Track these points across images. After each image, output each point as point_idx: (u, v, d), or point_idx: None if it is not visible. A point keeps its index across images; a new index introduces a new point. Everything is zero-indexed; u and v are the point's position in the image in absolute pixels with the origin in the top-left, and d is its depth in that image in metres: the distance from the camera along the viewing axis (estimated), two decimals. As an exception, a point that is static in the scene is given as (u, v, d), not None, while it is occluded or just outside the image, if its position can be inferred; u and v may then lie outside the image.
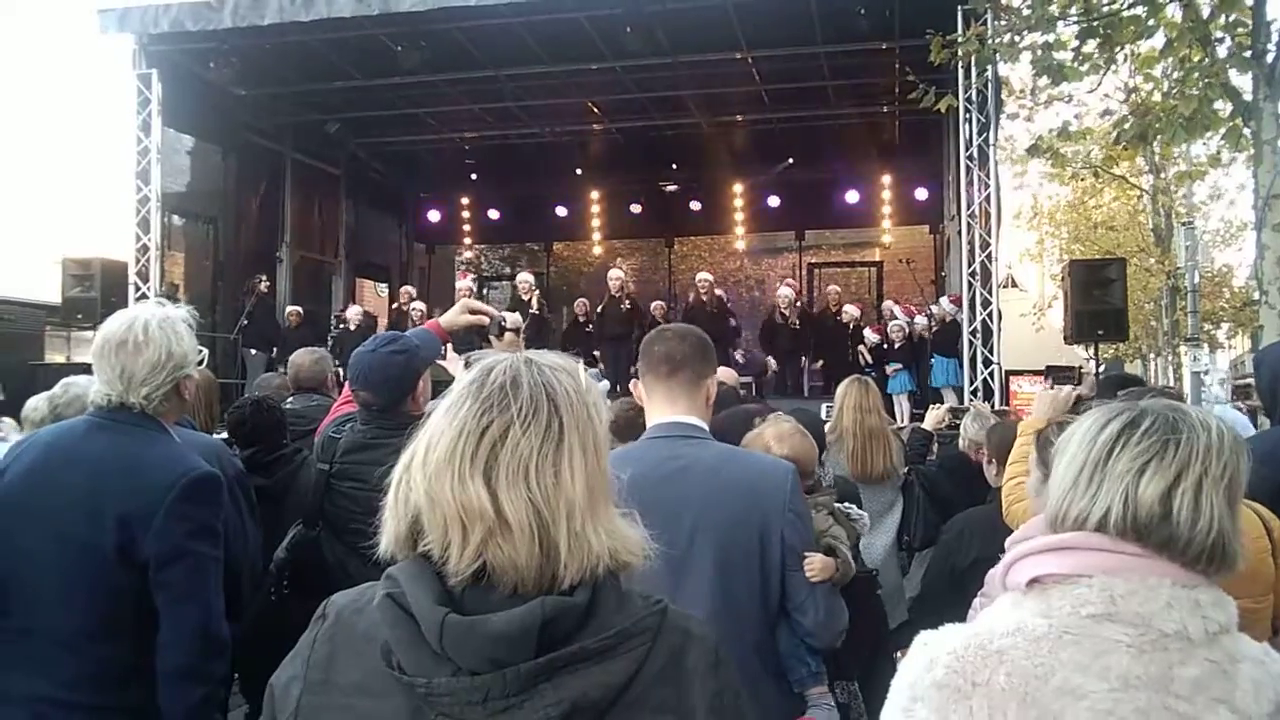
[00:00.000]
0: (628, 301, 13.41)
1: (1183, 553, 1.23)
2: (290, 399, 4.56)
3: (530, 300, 12.75)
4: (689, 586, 2.18)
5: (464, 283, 15.00)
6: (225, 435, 3.97)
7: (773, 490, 2.29)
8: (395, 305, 15.11)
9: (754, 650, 2.29)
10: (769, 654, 2.35)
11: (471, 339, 3.68)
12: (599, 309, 13.73)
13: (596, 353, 13.26)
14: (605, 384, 8.51)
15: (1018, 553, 1.32)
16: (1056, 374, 10.29)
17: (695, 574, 2.21)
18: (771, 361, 13.46)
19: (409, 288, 15.15)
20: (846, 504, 3.05)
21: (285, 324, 13.84)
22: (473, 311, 3.38)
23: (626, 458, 2.36)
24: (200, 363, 2.38)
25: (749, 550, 2.26)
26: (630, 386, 2.63)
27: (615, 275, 13.74)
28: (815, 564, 2.33)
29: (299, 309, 14.05)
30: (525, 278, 13.63)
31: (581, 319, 14.15)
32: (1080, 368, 11.01)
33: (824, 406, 9.60)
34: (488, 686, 1.03)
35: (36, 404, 3.46)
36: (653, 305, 13.69)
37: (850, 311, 13.33)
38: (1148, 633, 1.20)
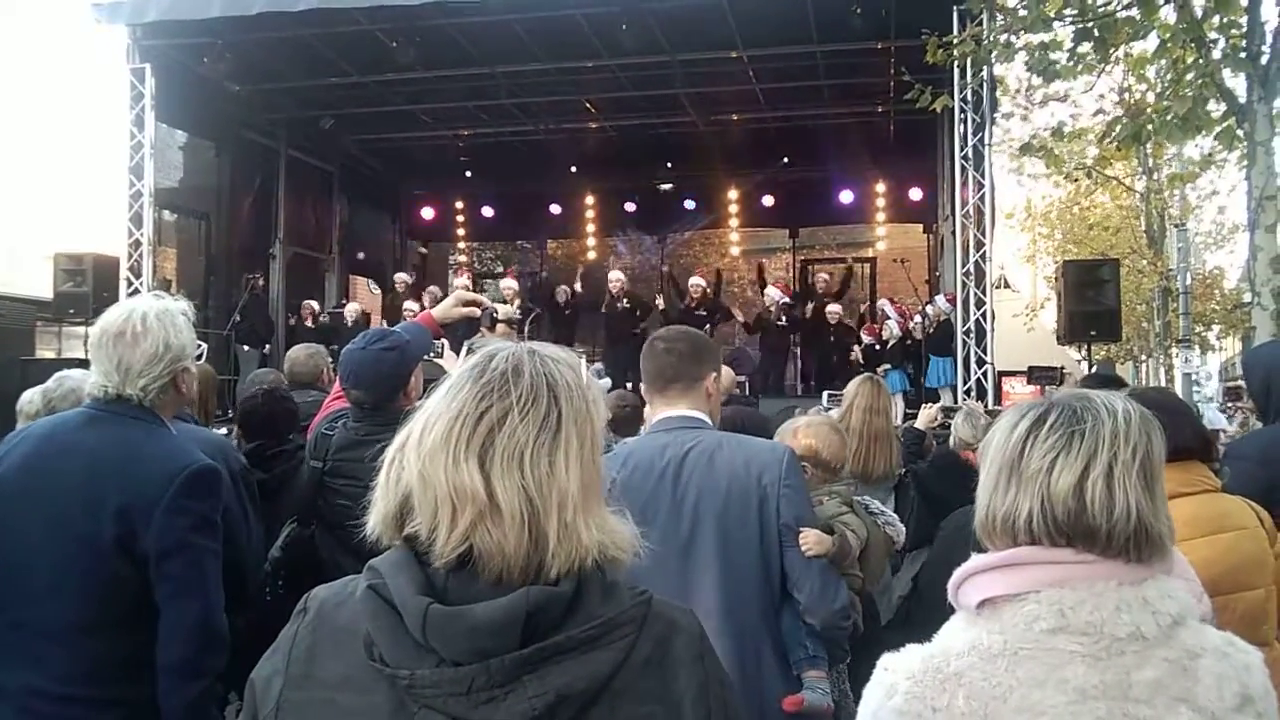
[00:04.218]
0: (626, 301, 13.38)
1: (1106, 544, 1.23)
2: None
3: (513, 306, 12.71)
4: (695, 566, 2.33)
5: (460, 281, 15.01)
6: (225, 430, 3.97)
7: (767, 466, 2.40)
8: (389, 295, 15.10)
9: (758, 624, 2.38)
10: (773, 631, 2.42)
11: (464, 331, 3.69)
12: (603, 309, 13.68)
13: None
14: (607, 381, 8.49)
15: (964, 572, 1.32)
16: (1038, 375, 10.32)
17: (700, 553, 2.34)
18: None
19: (403, 274, 15.12)
20: (866, 498, 3.09)
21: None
22: (466, 303, 3.38)
23: (630, 451, 2.43)
24: (200, 357, 2.37)
25: (748, 526, 2.37)
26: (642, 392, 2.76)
27: (616, 277, 13.73)
28: (810, 538, 2.39)
29: (314, 304, 14.04)
30: (509, 283, 13.60)
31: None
32: (1063, 368, 11.03)
33: (825, 394, 9.69)
34: (471, 677, 1.03)
35: (31, 397, 3.47)
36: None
37: (833, 310, 13.33)
38: (1101, 640, 1.19)
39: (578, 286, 14.18)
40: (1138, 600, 1.21)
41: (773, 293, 13.70)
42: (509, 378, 1.12)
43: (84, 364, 2.40)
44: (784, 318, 13.37)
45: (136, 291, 11.09)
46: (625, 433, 3.92)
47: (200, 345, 2.39)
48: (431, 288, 14.45)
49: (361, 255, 17.14)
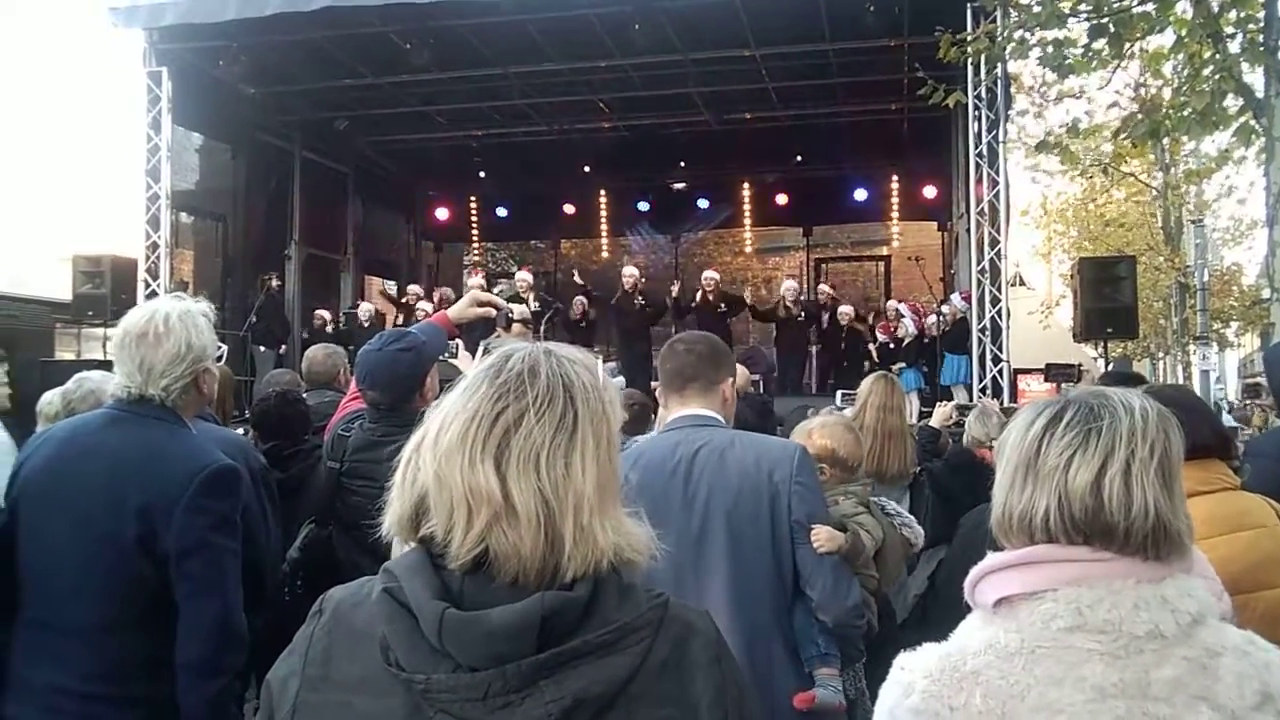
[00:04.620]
0: (641, 297, 13.37)
1: (1124, 542, 1.22)
2: (303, 395, 4.57)
3: (528, 300, 12.72)
4: (706, 563, 2.35)
5: (475, 280, 15.03)
6: (242, 431, 4.00)
7: (778, 464, 2.42)
8: (404, 301, 15.14)
9: (769, 621, 2.40)
10: (784, 628, 2.43)
11: (481, 331, 3.70)
12: (612, 301, 13.66)
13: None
14: (621, 380, 8.50)
15: (981, 570, 1.31)
16: (1056, 372, 10.26)
17: (711, 550, 2.37)
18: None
19: (416, 286, 15.16)
20: (883, 499, 3.09)
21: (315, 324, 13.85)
22: (481, 304, 3.39)
23: (642, 450, 2.44)
24: (220, 358, 2.39)
25: (759, 523, 2.38)
26: (656, 394, 2.80)
27: (629, 272, 13.72)
28: (821, 535, 2.40)
29: (325, 314, 14.08)
30: (524, 276, 13.58)
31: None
32: (1080, 365, 10.98)
33: (839, 394, 9.69)
34: (488, 683, 1.02)
35: (50, 399, 3.50)
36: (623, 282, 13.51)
37: (845, 312, 13.30)
38: (1119, 638, 1.18)
39: (593, 307, 14.07)
40: (1156, 598, 1.20)
41: (790, 284, 13.68)
42: (525, 378, 1.12)
43: (103, 365, 2.42)
44: (802, 313, 13.34)
45: (154, 293, 11.17)
46: (633, 431, 3.93)
47: (220, 346, 2.40)
48: (444, 289, 14.47)
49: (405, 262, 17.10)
